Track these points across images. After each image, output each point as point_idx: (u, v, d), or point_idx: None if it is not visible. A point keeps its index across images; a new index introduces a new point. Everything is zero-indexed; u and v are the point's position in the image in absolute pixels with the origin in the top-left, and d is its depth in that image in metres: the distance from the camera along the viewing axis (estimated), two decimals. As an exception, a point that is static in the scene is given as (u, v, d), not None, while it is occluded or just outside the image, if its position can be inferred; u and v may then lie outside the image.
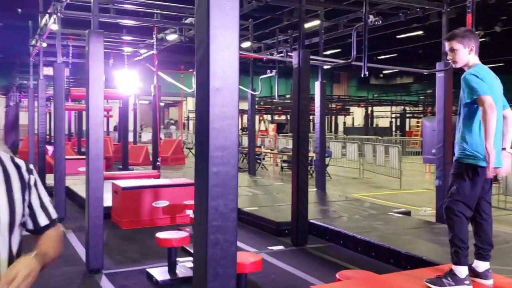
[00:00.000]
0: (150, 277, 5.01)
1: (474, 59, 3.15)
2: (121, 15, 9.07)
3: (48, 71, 11.45)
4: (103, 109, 5.35)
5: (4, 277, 1.35)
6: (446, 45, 3.19)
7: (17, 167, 1.58)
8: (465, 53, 3.13)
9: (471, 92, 2.95)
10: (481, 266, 3.05)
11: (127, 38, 11.01)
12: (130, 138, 17.33)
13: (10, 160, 1.58)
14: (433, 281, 2.94)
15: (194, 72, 9.31)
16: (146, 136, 28.05)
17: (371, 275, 3.53)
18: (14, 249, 1.53)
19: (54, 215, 1.65)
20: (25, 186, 1.56)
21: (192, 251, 5.83)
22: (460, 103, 3.13)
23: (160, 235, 5.04)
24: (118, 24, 10.51)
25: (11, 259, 1.51)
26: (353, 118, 36.87)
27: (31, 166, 1.64)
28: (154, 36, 8.84)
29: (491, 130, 2.84)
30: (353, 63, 5.88)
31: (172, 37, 11.44)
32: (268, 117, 30.60)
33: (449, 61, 3.29)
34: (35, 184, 1.60)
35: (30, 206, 1.58)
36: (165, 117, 41.55)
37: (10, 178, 1.53)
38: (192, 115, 35.61)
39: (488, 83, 3.00)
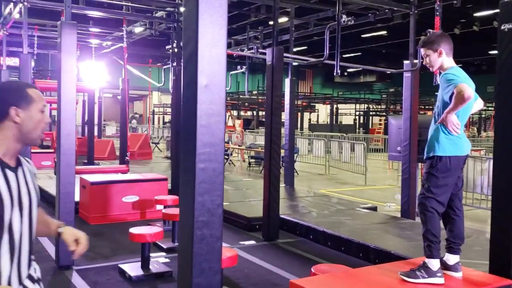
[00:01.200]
0: (122, 272, 4.97)
1: (447, 61, 3.26)
2: (90, 6, 8.88)
3: (10, 61, 11.06)
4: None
5: (72, 236, 1.95)
6: (422, 52, 3.34)
7: (27, 160, 1.94)
8: (435, 57, 3.25)
9: (449, 84, 3.03)
10: (452, 259, 3.21)
11: (94, 30, 10.77)
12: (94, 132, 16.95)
13: (24, 159, 1.92)
14: (407, 274, 3.08)
15: (164, 67, 9.18)
16: (111, 130, 27.50)
17: (345, 268, 3.64)
18: (36, 222, 1.90)
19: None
20: (35, 174, 1.94)
21: (164, 247, 5.85)
22: (437, 104, 3.25)
23: (134, 230, 5.01)
24: (85, 15, 10.28)
25: (33, 237, 1.88)
26: (317, 115, 37.36)
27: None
28: (124, 28, 8.69)
29: (458, 108, 2.99)
30: (326, 61, 5.99)
31: (140, 30, 11.29)
32: (234, 112, 30.62)
33: (427, 65, 3.42)
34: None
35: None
36: (130, 111, 40.84)
37: (29, 168, 1.90)
38: (157, 110, 35.17)
39: (466, 83, 3.09)
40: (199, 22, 2.43)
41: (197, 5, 2.41)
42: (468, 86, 2.98)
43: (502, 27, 3.53)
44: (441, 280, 3.00)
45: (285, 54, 6.78)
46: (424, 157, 3.33)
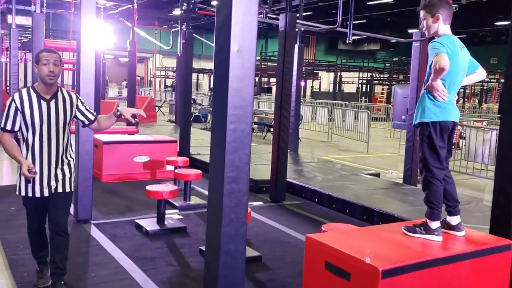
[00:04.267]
0: (139, 227, 5.23)
1: (443, 28, 3.24)
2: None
3: (20, 20, 11.04)
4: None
5: (129, 112, 3.43)
6: (420, 14, 3.38)
7: (69, 94, 3.31)
8: (432, 22, 3.24)
9: (432, 53, 3.09)
10: (453, 220, 3.43)
11: (103, -10, 10.72)
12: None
13: (65, 91, 3.31)
14: (409, 228, 3.32)
15: (172, 30, 9.27)
16: (113, 92, 27.53)
17: (354, 227, 3.88)
18: (66, 137, 3.29)
19: (94, 114, 3.47)
20: (72, 104, 3.29)
21: (177, 205, 6.11)
22: (427, 71, 3.32)
23: (150, 187, 5.23)
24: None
25: (64, 144, 3.26)
26: (320, 82, 37.31)
27: (77, 94, 3.41)
28: (134, -10, 8.68)
29: (437, 78, 3.04)
30: (338, 29, 6.08)
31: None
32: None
33: (423, 29, 3.46)
34: (82, 102, 3.39)
35: (81, 112, 3.36)
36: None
37: (65, 99, 3.26)
38: (158, 73, 35.04)
39: (453, 51, 3.13)
40: (233, -11, 2.55)
41: (231, -27, 2.54)
42: (445, 56, 2.99)
43: (516, 1, 3.63)
44: (438, 238, 3.21)
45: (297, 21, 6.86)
46: (413, 124, 3.47)
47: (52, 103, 3.18)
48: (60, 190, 3.25)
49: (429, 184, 3.25)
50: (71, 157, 3.33)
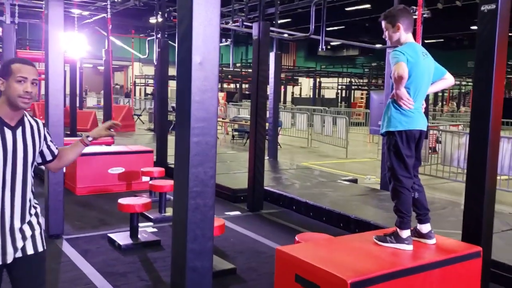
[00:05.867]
0: (112, 242, 5.11)
1: (405, 37, 3.24)
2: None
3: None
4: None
5: (102, 130, 2.65)
6: (382, 25, 3.35)
7: (36, 121, 2.40)
8: (393, 32, 3.24)
9: (392, 63, 3.09)
10: (424, 228, 3.42)
11: (77, -1, 10.60)
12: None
13: (30, 116, 2.40)
14: (380, 238, 3.30)
15: (148, 38, 9.23)
16: (91, 101, 27.21)
17: (328, 237, 3.85)
18: (32, 178, 2.36)
19: (57, 147, 2.59)
20: (40, 133, 2.38)
21: (152, 217, 6.01)
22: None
23: (122, 201, 5.13)
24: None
25: (31, 187, 2.36)
26: (300, 88, 37.46)
27: (43, 122, 2.61)
28: (107, -1, 8.59)
29: (398, 86, 3.04)
30: (311, 36, 6.08)
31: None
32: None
33: (385, 38, 3.44)
34: (48, 132, 2.48)
35: (48, 145, 2.47)
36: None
37: (32, 127, 2.36)
38: (138, 81, 34.78)
39: (414, 59, 3.13)
40: (194, 1, 2.51)
41: (191, -16, 2.49)
42: (403, 65, 2.99)
43: (482, 8, 3.66)
44: (409, 247, 3.19)
45: (271, 29, 6.85)
46: (380, 133, 3.45)
47: (19, 132, 2.29)
48: (30, 251, 2.34)
49: (398, 193, 3.24)
50: (37, 204, 2.45)
